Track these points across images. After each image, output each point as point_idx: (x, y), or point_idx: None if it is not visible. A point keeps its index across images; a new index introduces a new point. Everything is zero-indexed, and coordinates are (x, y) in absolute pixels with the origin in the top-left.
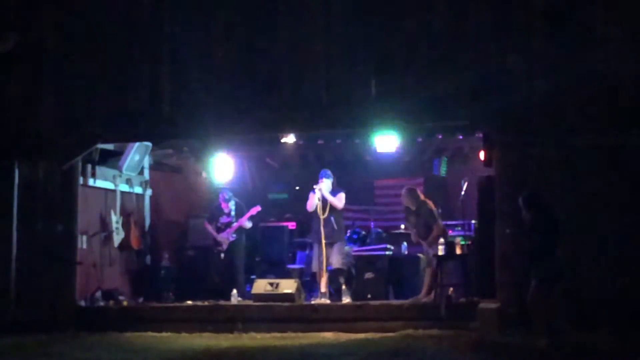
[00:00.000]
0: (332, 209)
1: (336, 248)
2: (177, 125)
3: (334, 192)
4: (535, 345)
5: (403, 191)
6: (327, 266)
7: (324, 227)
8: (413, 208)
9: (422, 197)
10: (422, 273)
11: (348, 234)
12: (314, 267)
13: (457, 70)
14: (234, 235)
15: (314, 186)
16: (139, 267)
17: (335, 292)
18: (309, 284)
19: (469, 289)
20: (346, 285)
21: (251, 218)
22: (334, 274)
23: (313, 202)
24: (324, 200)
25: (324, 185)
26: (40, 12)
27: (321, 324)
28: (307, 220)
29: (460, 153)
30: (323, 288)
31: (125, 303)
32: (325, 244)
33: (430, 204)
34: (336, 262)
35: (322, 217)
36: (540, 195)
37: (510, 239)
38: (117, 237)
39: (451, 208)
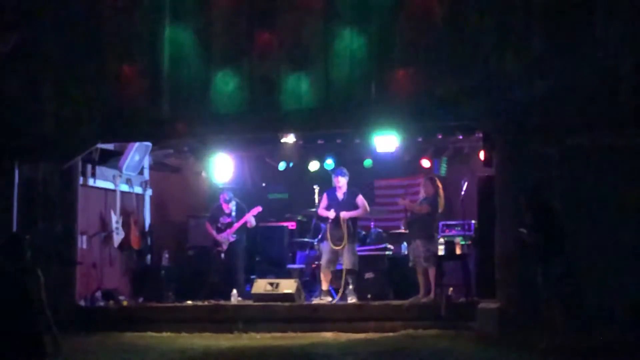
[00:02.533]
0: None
1: (349, 249)
2: (177, 125)
3: (350, 194)
4: (535, 345)
5: (425, 179)
6: (337, 266)
7: (338, 229)
8: (425, 195)
9: (440, 190)
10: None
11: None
12: (324, 265)
13: (457, 70)
14: (234, 236)
15: (340, 215)
16: (139, 267)
17: (337, 292)
18: (309, 284)
19: (469, 289)
20: (353, 285)
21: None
22: (345, 274)
23: (325, 212)
24: (339, 202)
25: (346, 215)
26: (39, 12)
27: (321, 324)
28: (308, 220)
29: (460, 153)
30: (325, 286)
31: (125, 303)
32: (338, 244)
33: (441, 200)
34: (348, 263)
35: (336, 222)
36: (542, 194)
37: (511, 238)
38: (117, 237)
39: (451, 208)
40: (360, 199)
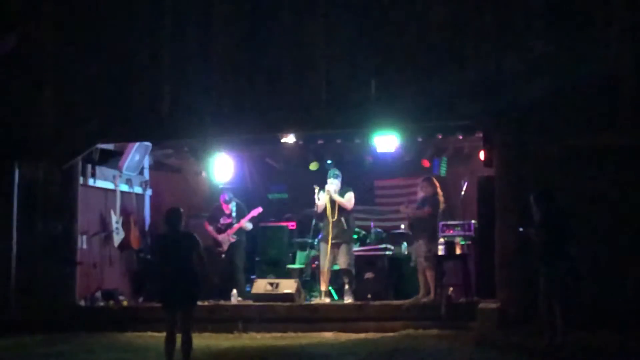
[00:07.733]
0: (343, 209)
1: (344, 248)
2: (177, 125)
3: (341, 192)
4: (535, 345)
5: (422, 180)
6: (332, 266)
7: (334, 227)
8: (424, 194)
9: (438, 189)
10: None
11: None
12: (322, 266)
13: (457, 70)
14: (235, 236)
15: (325, 187)
16: (139, 267)
17: (336, 292)
18: (309, 284)
19: (469, 289)
20: (349, 286)
21: (251, 219)
22: (339, 274)
23: (322, 203)
24: (333, 201)
25: (332, 187)
26: (40, 12)
27: (321, 324)
28: (308, 220)
29: (460, 153)
30: (323, 287)
31: (125, 303)
32: (333, 244)
33: (440, 198)
34: (343, 262)
35: (332, 219)
36: (552, 193)
37: (511, 238)
38: (117, 237)
39: (451, 208)
40: (348, 194)
